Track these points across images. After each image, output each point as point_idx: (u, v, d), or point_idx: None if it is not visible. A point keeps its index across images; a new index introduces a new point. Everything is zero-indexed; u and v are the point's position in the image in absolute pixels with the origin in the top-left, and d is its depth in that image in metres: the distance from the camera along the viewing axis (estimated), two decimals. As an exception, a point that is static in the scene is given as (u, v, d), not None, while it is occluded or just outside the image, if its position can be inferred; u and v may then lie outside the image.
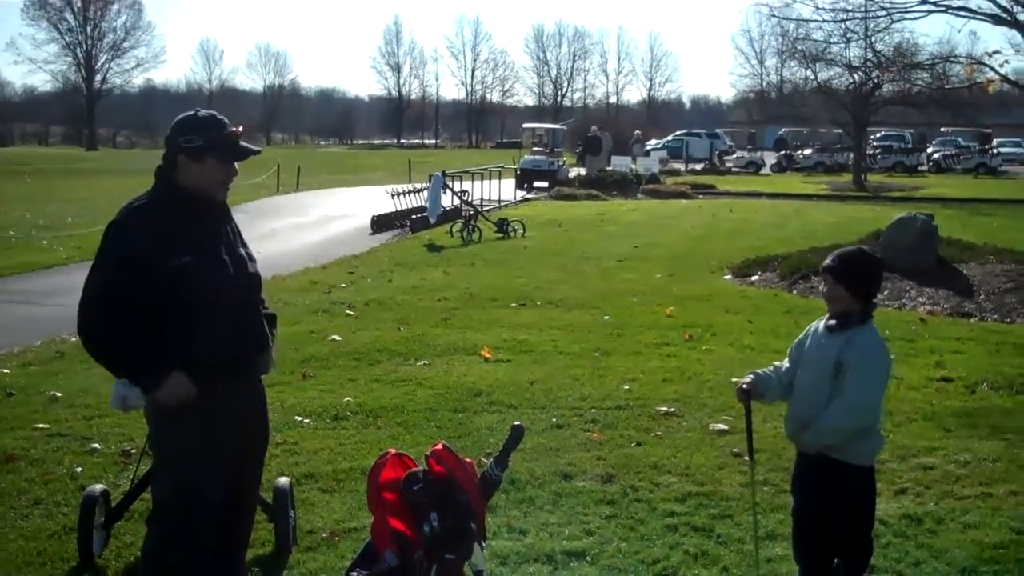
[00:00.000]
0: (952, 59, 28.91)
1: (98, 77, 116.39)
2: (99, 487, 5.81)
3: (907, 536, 5.98)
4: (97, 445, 7.63)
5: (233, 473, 4.60)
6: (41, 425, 8.15)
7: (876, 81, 42.79)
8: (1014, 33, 15.46)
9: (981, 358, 10.78)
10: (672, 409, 8.65)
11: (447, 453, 4.17)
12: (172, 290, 4.31)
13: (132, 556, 5.70)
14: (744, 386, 5.15)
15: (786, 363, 5.26)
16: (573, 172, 43.13)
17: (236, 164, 4.57)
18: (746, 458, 7.21)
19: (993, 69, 16.62)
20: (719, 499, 6.56)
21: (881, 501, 6.49)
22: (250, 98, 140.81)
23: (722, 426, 8.12)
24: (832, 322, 5.05)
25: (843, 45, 42.93)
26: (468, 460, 4.26)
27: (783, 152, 63.25)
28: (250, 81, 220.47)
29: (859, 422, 4.96)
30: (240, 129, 4.57)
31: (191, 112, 4.56)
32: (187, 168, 4.43)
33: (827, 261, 5.10)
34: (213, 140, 4.43)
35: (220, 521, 4.60)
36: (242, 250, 4.67)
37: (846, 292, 4.99)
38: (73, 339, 11.60)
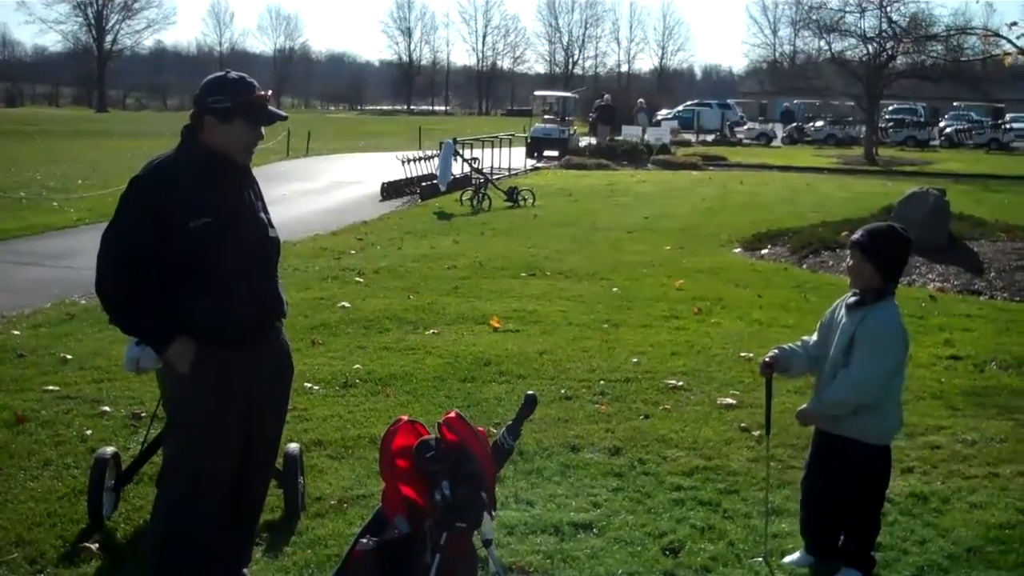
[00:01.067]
0: (968, 31, 28.74)
1: (108, 38, 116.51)
2: (110, 449, 5.84)
3: (913, 515, 5.99)
4: (107, 408, 7.66)
5: (243, 439, 4.60)
6: (51, 387, 8.18)
7: (890, 53, 42.60)
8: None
9: (990, 336, 10.76)
10: (680, 383, 8.65)
11: (460, 421, 4.18)
12: (190, 251, 4.30)
13: (141, 519, 5.73)
14: (767, 359, 5.18)
15: (815, 337, 5.28)
16: (584, 141, 42.99)
17: (262, 129, 4.54)
18: (754, 432, 7.30)
19: (1010, 41, 16.46)
20: (726, 473, 6.57)
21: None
22: (260, 61, 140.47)
23: (730, 400, 8.12)
24: (852, 299, 5.07)
25: (858, 15, 42.92)
26: (480, 429, 4.27)
27: (793, 124, 62.94)
28: (261, 44, 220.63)
29: (857, 397, 5.00)
30: (269, 93, 4.54)
31: (222, 73, 4.53)
32: (213, 129, 4.39)
33: (856, 235, 5.10)
34: (241, 103, 4.38)
35: (229, 486, 4.61)
36: (263, 215, 4.64)
37: (873, 269, 4.99)
38: (83, 301, 11.65)
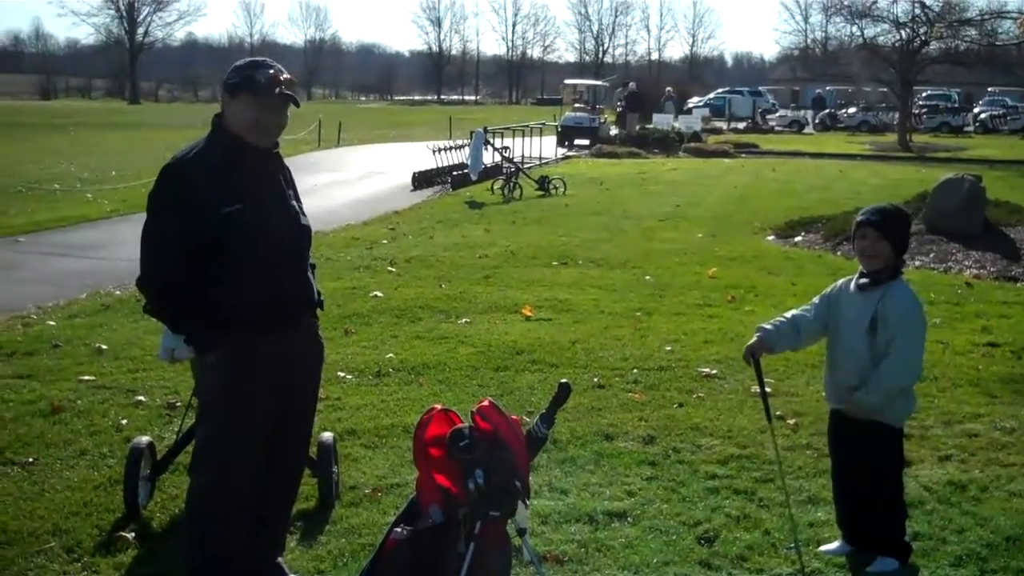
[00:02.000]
0: (1003, 14, 28.44)
1: (140, 30, 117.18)
2: (145, 439, 5.87)
3: (951, 503, 5.93)
4: (142, 398, 7.70)
5: (271, 429, 4.57)
6: (87, 377, 8.23)
7: (923, 38, 42.21)
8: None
9: (1028, 323, 10.65)
10: (714, 371, 8.61)
11: (493, 410, 4.17)
12: (221, 237, 4.28)
13: (176, 508, 5.76)
14: (751, 347, 5.18)
15: (809, 313, 5.25)
16: (612, 131, 42.85)
17: (285, 113, 4.47)
18: (789, 421, 7.27)
19: (1046, 25, 16.21)
20: (761, 462, 6.52)
21: (925, 467, 6.49)
22: (291, 52, 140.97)
23: (766, 389, 8.06)
24: (864, 280, 5.06)
25: (891, 0, 42.45)
26: (514, 417, 4.26)
27: (826, 111, 62.49)
28: (291, 35, 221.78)
29: (911, 379, 5.08)
30: (284, 75, 4.43)
31: (248, 58, 4.55)
32: (227, 107, 4.40)
33: (866, 216, 5.11)
34: (247, 77, 4.35)
35: (259, 475, 4.60)
36: (294, 203, 4.61)
37: (890, 248, 5.01)
38: (118, 292, 11.72)
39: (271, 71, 4.38)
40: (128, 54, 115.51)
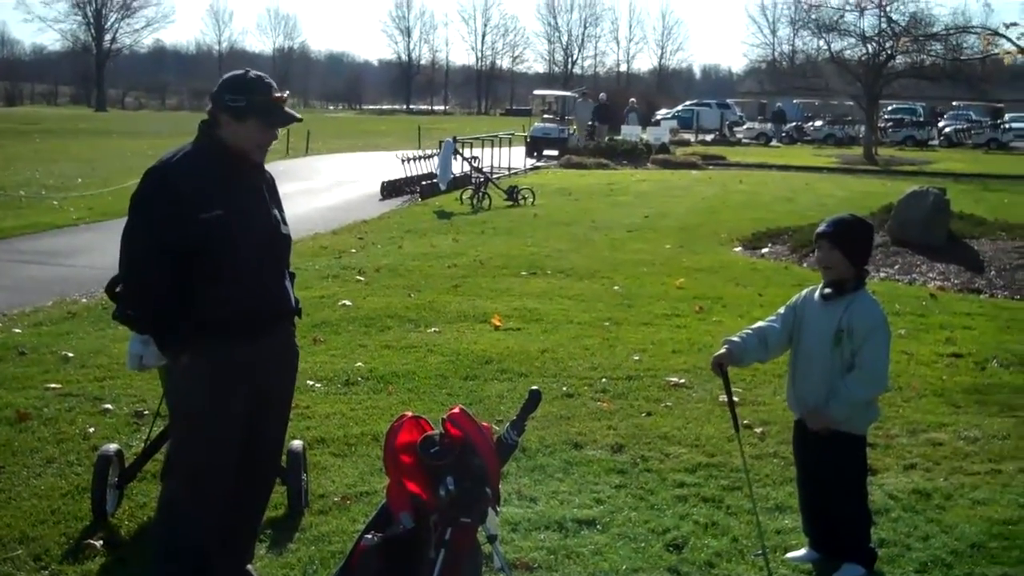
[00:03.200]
0: (967, 30, 28.76)
1: (107, 36, 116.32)
2: (113, 447, 5.84)
3: (916, 511, 5.99)
4: (109, 406, 7.66)
5: (245, 435, 4.57)
6: (53, 385, 8.18)
7: (889, 52, 42.62)
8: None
9: (991, 334, 10.77)
10: (682, 380, 8.66)
11: (464, 417, 4.19)
12: (200, 242, 4.30)
13: (145, 516, 5.74)
14: (719, 358, 5.22)
15: (776, 324, 5.30)
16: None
17: (277, 130, 4.57)
18: (757, 429, 7.32)
19: (1010, 40, 16.49)
20: (729, 470, 6.57)
21: (890, 475, 6.56)
22: (259, 61, 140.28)
23: (734, 398, 8.11)
24: (827, 291, 5.13)
25: (857, 14, 42.92)
26: (485, 424, 4.28)
27: (792, 124, 62.88)
28: (260, 43, 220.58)
29: (878, 390, 5.18)
30: (286, 95, 4.55)
31: (241, 71, 4.54)
32: (229, 127, 4.41)
33: (821, 227, 5.18)
34: (256, 103, 4.40)
35: (232, 481, 4.59)
36: (275, 211, 4.65)
37: (842, 257, 5.08)
38: (84, 300, 11.65)
39: (276, 94, 4.46)
40: (95, 61, 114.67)
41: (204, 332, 4.38)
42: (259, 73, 4.52)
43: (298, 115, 4.59)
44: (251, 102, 4.39)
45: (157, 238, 4.30)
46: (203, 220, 4.28)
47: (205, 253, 4.32)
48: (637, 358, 9.38)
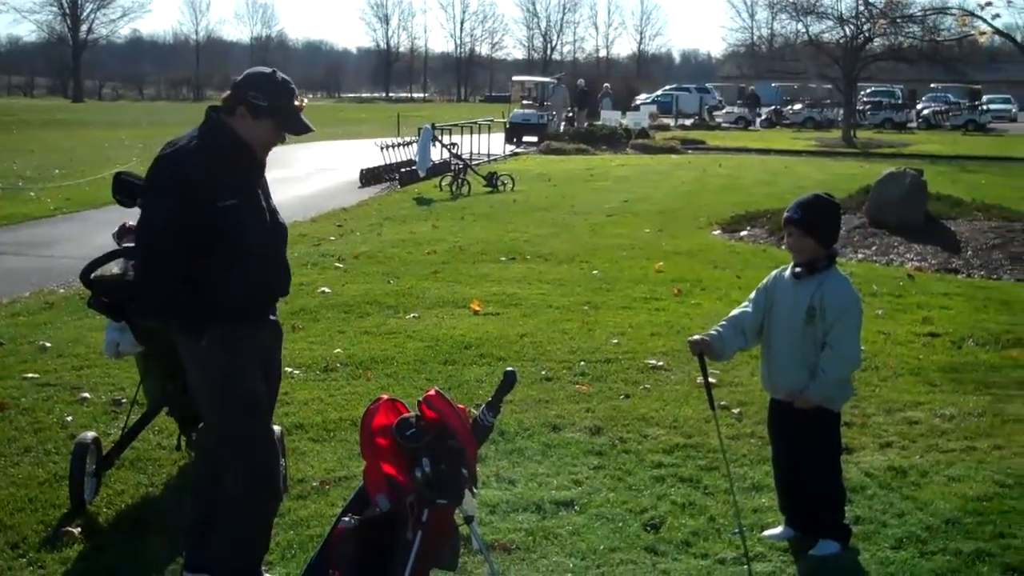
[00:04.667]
0: (944, 11, 28.87)
1: (84, 27, 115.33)
2: (90, 434, 5.84)
3: (892, 488, 6.04)
4: (87, 395, 7.65)
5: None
6: (31, 375, 8.16)
7: (867, 34, 42.72)
8: (1007, -15, 15.41)
9: (968, 314, 10.84)
10: (660, 363, 8.69)
11: (440, 399, 4.20)
12: (217, 229, 4.37)
13: (123, 503, 5.75)
14: (698, 344, 5.24)
15: (748, 308, 5.33)
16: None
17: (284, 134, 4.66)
18: (734, 410, 7.36)
19: (985, 21, 16.59)
20: (706, 451, 6.60)
21: (867, 453, 6.61)
22: (237, 50, 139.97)
23: (710, 379, 8.14)
24: (798, 270, 5.15)
25: (835, -4, 42.89)
26: (460, 406, 4.30)
27: (772, 108, 62.95)
28: (237, 32, 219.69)
29: (853, 368, 5.21)
30: (304, 102, 4.65)
31: (269, 71, 4.60)
32: (244, 120, 4.48)
33: (789, 213, 5.18)
34: (277, 107, 4.49)
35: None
36: (271, 202, 4.74)
37: (815, 243, 5.09)
38: (62, 290, 11.61)
39: (297, 101, 4.56)
40: (71, 51, 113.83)
41: (219, 314, 4.48)
42: (286, 77, 4.60)
43: (312, 127, 4.67)
44: (273, 105, 4.48)
45: (173, 224, 4.35)
46: (219, 208, 4.37)
47: (222, 239, 4.40)
48: (616, 341, 9.41)
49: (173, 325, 4.57)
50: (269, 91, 4.48)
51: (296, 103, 4.56)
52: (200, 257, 4.39)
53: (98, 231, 12.89)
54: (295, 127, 4.60)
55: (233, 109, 4.49)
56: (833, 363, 5.02)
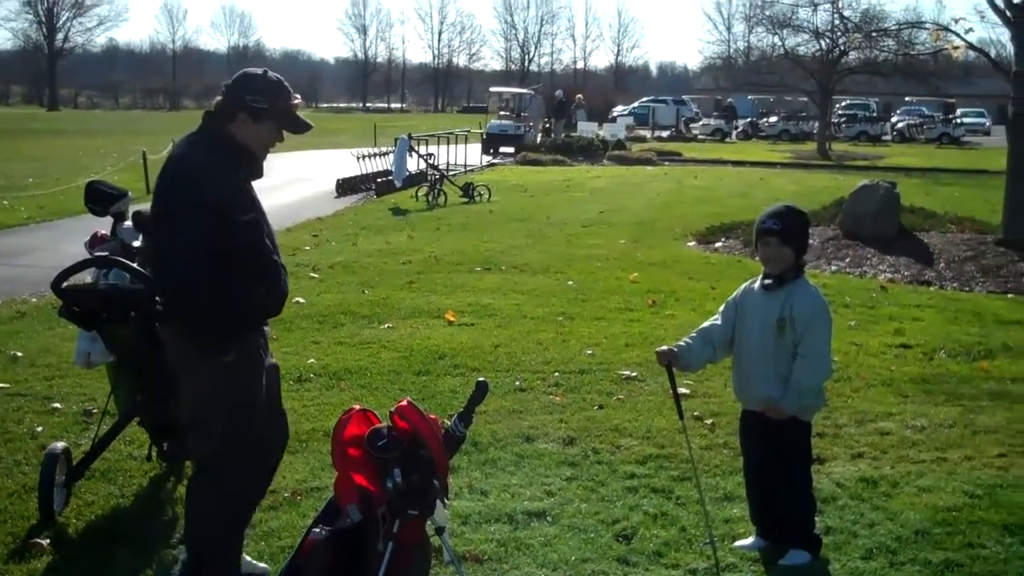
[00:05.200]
0: (918, 25, 29.12)
1: (60, 35, 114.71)
2: (60, 445, 5.80)
3: (863, 498, 6.07)
4: (58, 405, 7.61)
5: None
6: (1, 384, 8.11)
7: (842, 48, 43.00)
8: (980, 0, 15.57)
9: (940, 326, 10.91)
10: (634, 373, 8.71)
11: (412, 409, 4.20)
12: (241, 243, 4.35)
13: (93, 514, 5.71)
14: (665, 354, 5.27)
15: (718, 321, 5.36)
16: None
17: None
18: (707, 421, 7.38)
19: (958, 35, 16.77)
20: (679, 461, 6.62)
21: (838, 464, 6.64)
22: (214, 59, 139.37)
23: (683, 390, 8.13)
24: (768, 281, 5.18)
25: (811, 10, 43.25)
26: (432, 416, 4.30)
27: (748, 120, 63.23)
28: (214, 42, 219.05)
29: (827, 375, 5.27)
30: (300, 101, 4.67)
31: (260, 71, 4.59)
32: (244, 125, 4.44)
33: (767, 223, 5.21)
34: (278, 107, 4.49)
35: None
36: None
37: (791, 251, 5.14)
38: (34, 299, 11.53)
39: (294, 100, 4.58)
40: (47, 59, 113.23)
41: (239, 327, 4.47)
42: (279, 76, 4.59)
43: (311, 123, 4.70)
44: (273, 106, 4.46)
45: (202, 242, 4.28)
46: (243, 222, 4.36)
47: (245, 252, 4.38)
48: (590, 352, 9.43)
49: (191, 343, 4.46)
50: (268, 92, 4.46)
51: (294, 102, 4.57)
52: (225, 272, 4.32)
53: (71, 240, 12.81)
54: (296, 126, 4.60)
55: (232, 115, 4.44)
56: (806, 372, 5.05)
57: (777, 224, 5.18)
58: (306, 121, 4.66)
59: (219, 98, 4.49)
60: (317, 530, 4.29)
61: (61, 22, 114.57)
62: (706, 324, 5.43)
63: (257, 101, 4.42)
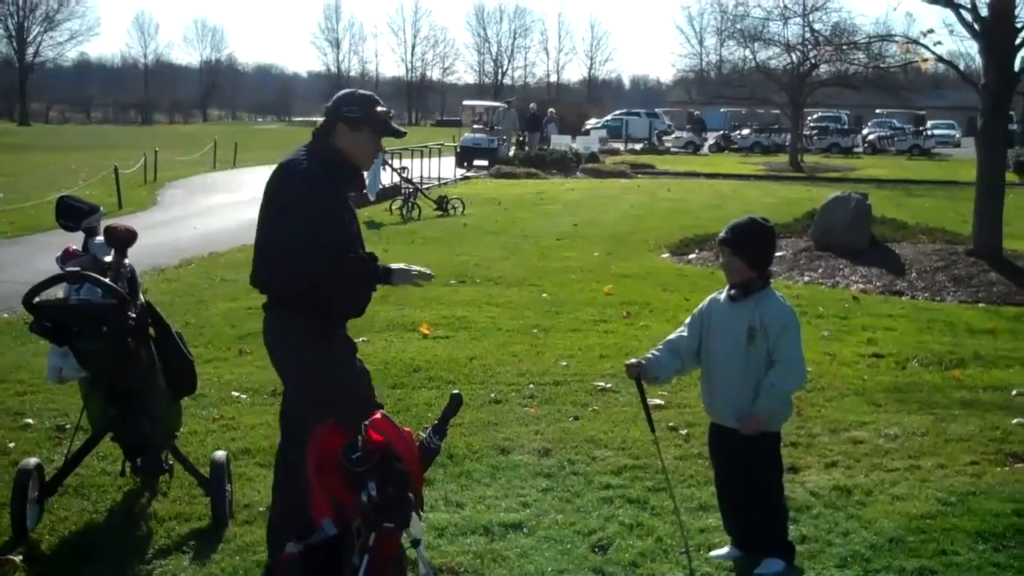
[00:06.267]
0: (888, 38, 29.35)
1: (30, 49, 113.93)
2: (33, 461, 5.76)
3: (837, 507, 6.10)
4: (30, 420, 7.55)
5: None
6: (-28, 401, 8.05)
7: (813, 61, 43.29)
8: (948, 13, 15.70)
9: (912, 335, 10.99)
10: (609, 384, 8.72)
11: (385, 422, 4.20)
12: (339, 239, 4.84)
13: (66, 530, 5.67)
14: (634, 367, 5.29)
15: (684, 332, 5.39)
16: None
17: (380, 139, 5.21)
18: (682, 431, 7.40)
19: (928, 48, 16.91)
20: (654, 472, 6.62)
21: (812, 473, 6.67)
22: (186, 73, 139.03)
23: (658, 401, 8.19)
24: (733, 292, 5.22)
25: (782, 23, 43.58)
26: (406, 429, 4.29)
27: (720, 133, 63.53)
28: (186, 56, 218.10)
29: (800, 383, 5.35)
30: (391, 111, 5.19)
31: (352, 89, 5.21)
32: (344, 135, 5.00)
33: (722, 233, 5.28)
34: (370, 114, 5.01)
35: None
36: None
37: (741, 262, 5.18)
38: (5, 315, 11.44)
39: (386, 109, 5.11)
40: (18, 74, 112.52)
41: (338, 315, 5.09)
42: (370, 92, 5.20)
43: (403, 130, 5.29)
44: (366, 113, 5.01)
45: (300, 239, 4.75)
46: (345, 220, 4.94)
47: (340, 248, 4.85)
48: (565, 364, 9.44)
49: (290, 328, 5.00)
50: (360, 103, 5.03)
51: (383, 109, 5.07)
52: (317, 268, 4.77)
53: (42, 255, 12.74)
54: (390, 131, 5.16)
55: (332, 127, 5.02)
56: (783, 376, 5.08)
57: (728, 234, 5.26)
58: (396, 127, 5.19)
59: (323, 118, 5.11)
60: (292, 545, 4.28)
61: (32, 36, 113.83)
62: (673, 336, 5.46)
63: (351, 111, 4.99)
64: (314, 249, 4.73)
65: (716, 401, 5.34)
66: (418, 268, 5.19)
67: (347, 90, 5.19)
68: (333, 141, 5.02)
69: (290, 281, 4.88)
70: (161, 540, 5.58)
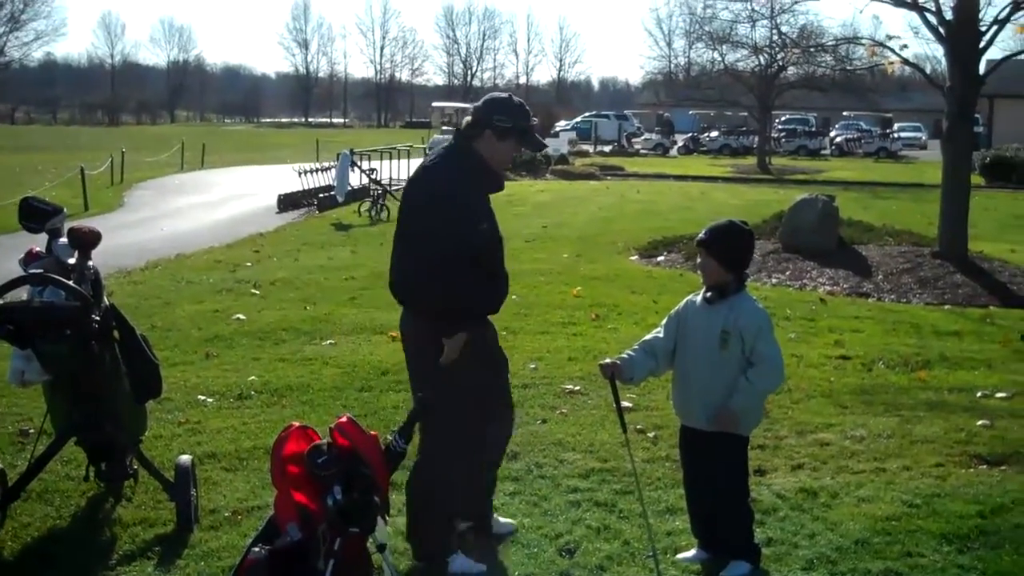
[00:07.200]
0: (855, 41, 29.57)
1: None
2: (-5, 466, 5.70)
3: (803, 509, 6.11)
4: (-7, 425, 7.48)
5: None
6: (-66, 405, 7.95)
7: (781, 63, 43.56)
8: (914, 16, 15.90)
9: (878, 337, 11.05)
10: (577, 387, 8.72)
11: (351, 426, 4.18)
12: (477, 247, 4.99)
13: (29, 536, 5.61)
14: (609, 366, 5.30)
15: (660, 334, 5.40)
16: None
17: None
18: (650, 434, 7.41)
19: (893, 51, 17.07)
20: (622, 475, 6.62)
21: (778, 475, 6.69)
22: (153, 74, 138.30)
23: (626, 404, 8.15)
24: (709, 294, 5.24)
25: (749, 26, 43.78)
26: (372, 433, 4.28)
27: (689, 135, 63.78)
28: (153, 56, 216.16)
29: (779, 381, 5.39)
30: (536, 121, 5.29)
31: (505, 96, 5.24)
32: (490, 143, 5.09)
33: (700, 235, 5.33)
34: (519, 126, 5.10)
35: None
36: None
37: (717, 265, 5.21)
38: (-32, 317, 11.32)
39: (533, 121, 5.20)
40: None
41: (473, 316, 5.16)
42: (521, 100, 5.24)
43: (546, 143, 5.36)
44: (516, 125, 5.10)
45: (454, 240, 4.90)
46: (482, 230, 5.04)
47: (480, 255, 5.03)
48: (533, 366, 9.43)
49: (430, 327, 5.04)
50: (512, 113, 5.09)
51: (532, 123, 5.17)
52: (463, 269, 4.91)
53: (5, 257, 12.62)
54: (534, 144, 5.29)
55: (480, 133, 5.07)
56: (763, 376, 5.09)
57: (706, 235, 5.31)
58: (540, 140, 5.32)
59: (468, 118, 5.18)
60: (257, 549, 4.25)
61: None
62: (648, 337, 5.46)
63: (502, 121, 5.05)
64: (466, 248, 4.89)
65: (687, 403, 5.34)
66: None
67: (499, 96, 5.23)
68: (476, 145, 5.09)
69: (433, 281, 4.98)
70: (126, 546, 5.53)
